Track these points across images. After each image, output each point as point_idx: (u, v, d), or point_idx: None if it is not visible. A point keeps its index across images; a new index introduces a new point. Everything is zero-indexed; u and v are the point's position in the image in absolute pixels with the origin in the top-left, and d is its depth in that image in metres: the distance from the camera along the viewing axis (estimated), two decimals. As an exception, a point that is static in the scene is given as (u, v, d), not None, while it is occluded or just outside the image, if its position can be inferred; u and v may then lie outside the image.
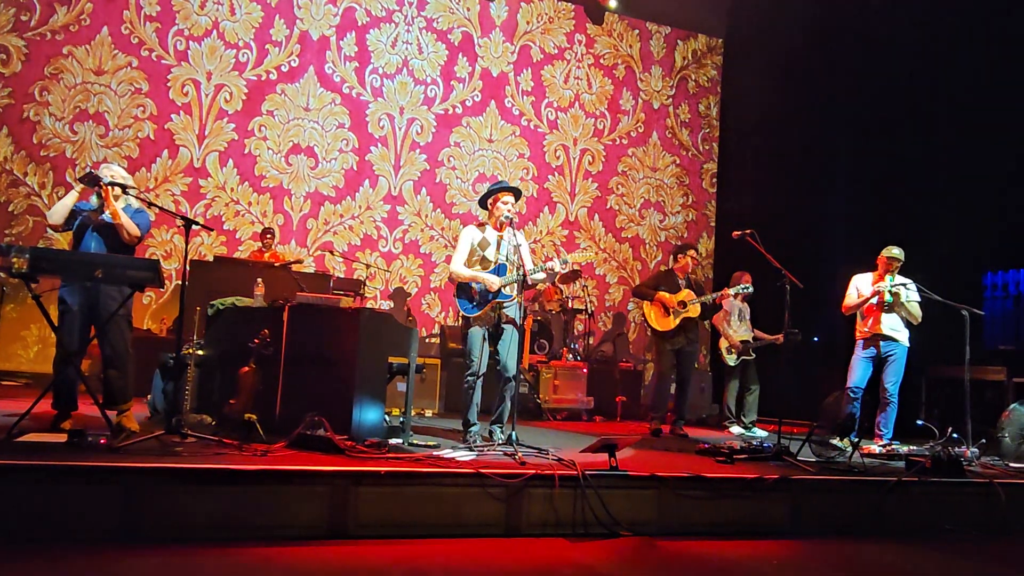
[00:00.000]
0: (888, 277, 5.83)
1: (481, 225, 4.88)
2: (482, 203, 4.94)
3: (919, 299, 5.84)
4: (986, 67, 6.98)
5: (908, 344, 5.88)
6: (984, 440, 5.51)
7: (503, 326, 4.69)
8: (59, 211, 4.13)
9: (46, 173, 7.56)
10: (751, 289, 6.54)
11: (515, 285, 4.64)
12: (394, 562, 3.09)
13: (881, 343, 5.83)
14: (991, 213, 6.87)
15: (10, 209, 7.44)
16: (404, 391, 4.92)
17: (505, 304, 4.66)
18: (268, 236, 7.71)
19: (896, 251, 5.85)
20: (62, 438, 3.50)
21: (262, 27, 8.33)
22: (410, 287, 8.73)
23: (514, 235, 4.70)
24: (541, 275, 4.73)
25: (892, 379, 5.83)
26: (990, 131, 6.90)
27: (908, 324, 5.90)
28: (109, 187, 4.07)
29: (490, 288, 4.61)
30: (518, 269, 4.55)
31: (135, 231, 4.16)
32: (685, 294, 6.17)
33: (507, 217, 4.70)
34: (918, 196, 7.32)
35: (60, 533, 2.95)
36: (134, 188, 4.31)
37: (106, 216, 4.11)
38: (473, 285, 4.67)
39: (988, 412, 5.74)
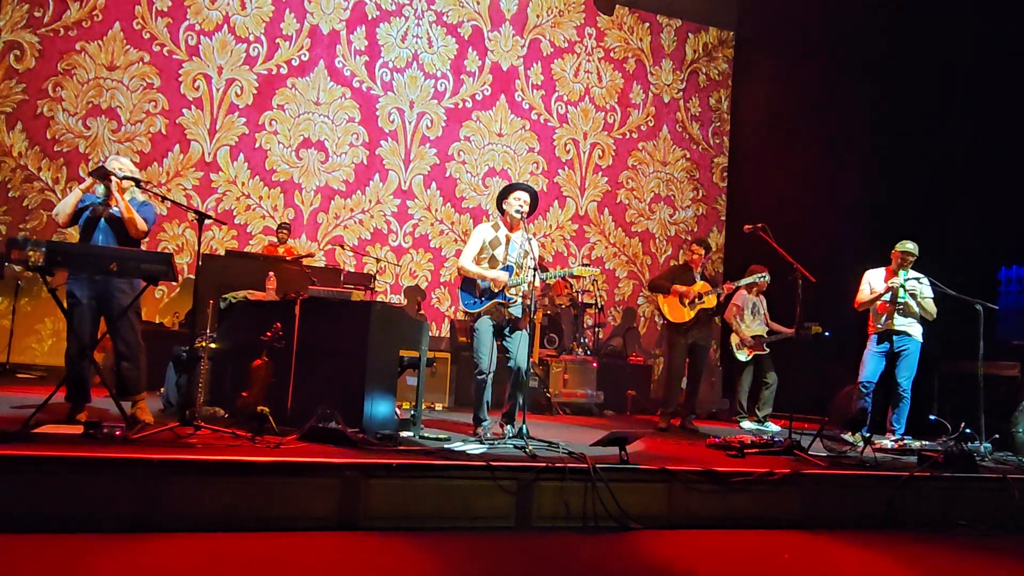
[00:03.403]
0: (901, 272, 5.79)
1: (495, 225, 4.88)
2: (498, 203, 4.92)
3: (933, 295, 5.80)
4: (1003, 58, 6.90)
5: (921, 339, 5.84)
6: (997, 435, 5.47)
7: (515, 326, 4.69)
8: (64, 210, 4.13)
9: (60, 168, 7.61)
10: (766, 277, 6.51)
11: (519, 288, 4.65)
12: (404, 553, 3.11)
13: (894, 338, 5.80)
14: (1007, 207, 6.79)
15: (24, 204, 7.51)
16: (415, 385, 4.94)
17: (509, 305, 4.66)
18: (283, 231, 7.76)
19: (910, 246, 5.80)
20: (78, 430, 3.53)
21: (272, 21, 8.35)
22: (420, 281, 8.75)
23: (526, 239, 4.70)
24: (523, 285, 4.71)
25: (905, 374, 5.79)
26: (1006, 123, 6.82)
27: (922, 319, 5.86)
28: (120, 180, 4.09)
29: (496, 286, 4.61)
30: (527, 280, 4.55)
31: (143, 226, 4.17)
32: (701, 286, 6.16)
33: (517, 212, 4.70)
34: (932, 190, 7.25)
35: (75, 523, 2.98)
36: (143, 181, 4.32)
37: (114, 209, 4.13)
38: (479, 281, 4.68)
39: (1002, 407, 5.69)
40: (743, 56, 10.25)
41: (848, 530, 4.00)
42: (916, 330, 5.84)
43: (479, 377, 4.65)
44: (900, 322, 5.78)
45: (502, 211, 4.83)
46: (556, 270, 4.97)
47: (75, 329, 3.99)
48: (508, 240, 4.74)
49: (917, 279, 5.79)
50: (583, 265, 4.84)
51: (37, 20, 7.58)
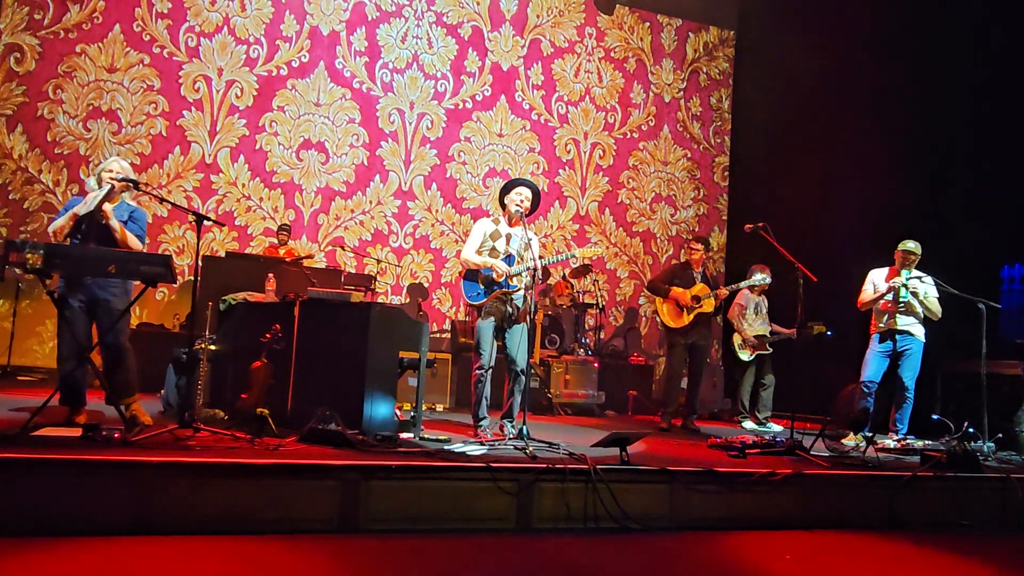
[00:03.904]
0: (904, 272, 5.76)
1: (496, 219, 4.88)
2: (500, 199, 4.92)
3: (938, 294, 5.77)
4: (1004, 57, 6.87)
5: (924, 339, 5.82)
6: (1000, 435, 5.45)
7: (514, 319, 4.68)
8: (57, 234, 4.05)
9: (60, 170, 7.62)
10: (767, 279, 6.49)
11: (523, 278, 4.64)
12: (405, 556, 3.10)
13: (897, 338, 5.78)
14: (1008, 206, 6.77)
15: (25, 206, 7.51)
16: (415, 386, 4.93)
17: (512, 295, 4.66)
18: (284, 232, 7.76)
19: (911, 245, 5.78)
20: (76, 432, 3.52)
21: (272, 22, 8.35)
22: (421, 282, 8.74)
23: (526, 231, 4.70)
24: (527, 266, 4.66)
25: (909, 374, 5.77)
26: (1008, 121, 6.80)
27: (926, 319, 5.83)
28: (121, 183, 4.08)
29: (496, 273, 4.60)
30: (528, 268, 4.54)
31: (137, 245, 4.14)
32: (699, 288, 6.13)
33: (517, 210, 4.69)
34: (934, 188, 7.22)
35: (75, 526, 2.97)
36: (140, 183, 4.27)
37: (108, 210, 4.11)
38: (481, 271, 4.67)
39: (1005, 406, 5.67)
40: (744, 55, 10.22)
41: (851, 531, 3.98)
42: (918, 330, 5.81)
43: (478, 372, 4.65)
44: (902, 322, 5.76)
45: (503, 206, 4.83)
46: (558, 255, 4.98)
47: (69, 332, 3.97)
48: (509, 234, 4.74)
49: (920, 278, 5.76)
50: (592, 246, 4.77)
51: (37, 22, 7.58)
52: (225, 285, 5.60)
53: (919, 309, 5.77)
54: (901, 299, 5.72)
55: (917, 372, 5.79)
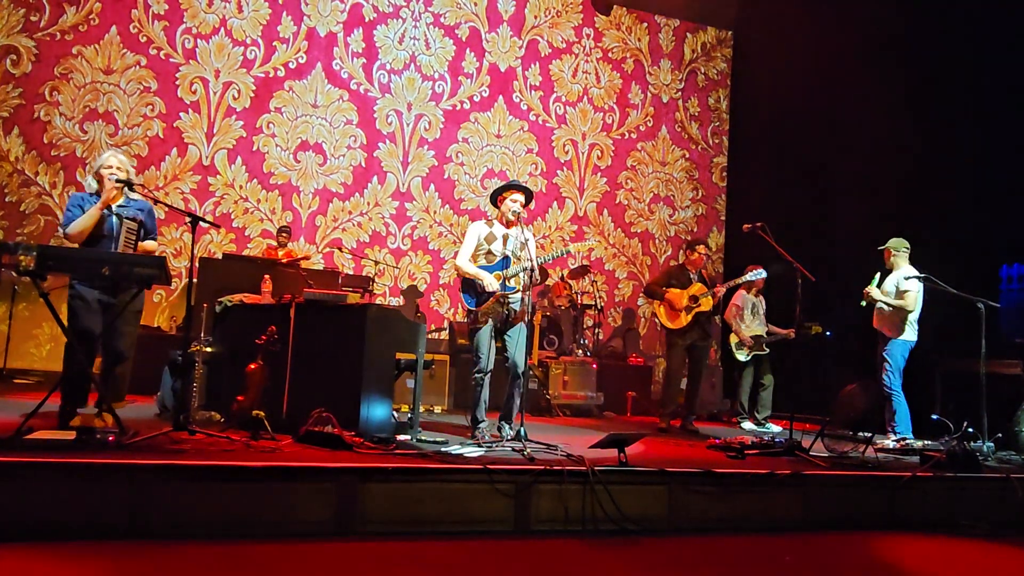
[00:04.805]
0: (876, 276, 5.87)
1: (490, 221, 4.86)
2: (493, 200, 4.91)
3: (916, 288, 5.73)
4: (1003, 55, 6.86)
5: (908, 339, 5.80)
6: (1000, 434, 5.43)
7: (511, 320, 4.67)
8: (84, 228, 3.98)
9: (57, 173, 7.59)
10: (763, 274, 6.48)
11: (520, 279, 4.62)
12: (402, 559, 3.08)
13: (879, 339, 5.85)
14: (1007, 205, 6.75)
15: (22, 208, 7.49)
16: (413, 387, 4.91)
17: (510, 297, 4.63)
18: (284, 234, 7.74)
19: (882, 246, 5.91)
20: (70, 436, 3.49)
21: (269, 24, 8.33)
22: (419, 283, 8.72)
23: (522, 231, 4.68)
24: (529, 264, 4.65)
25: (887, 373, 5.80)
26: (1007, 120, 6.79)
27: (920, 317, 5.83)
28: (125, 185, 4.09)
29: (487, 288, 4.58)
30: (525, 268, 4.53)
31: (153, 247, 4.17)
32: (697, 288, 6.12)
33: (515, 214, 4.68)
34: (932, 188, 7.21)
35: (70, 530, 2.95)
36: (137, 184, 4.23)
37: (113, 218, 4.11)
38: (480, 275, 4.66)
39: (1004, 406, 5.65)
40: (742, 55, 10.21)
41: (850, 531, 3.97)
42: (894, 331, 5.83)
43: (476, 375, 4.62)
44: (879, 323, 5.89)
45: (496, 207, 4.82)
46: (553, 252, 5.05)
47: (83, 330, 3.91)
48: (506, 236, 4.72)
49: (919, 277, 5.75)
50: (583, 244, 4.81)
51: (33, 24, 7.57)
52: (221, 287, 5.57)
53: (889, 310, 5.79)
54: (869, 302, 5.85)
55: (896, 371, 5.80)
